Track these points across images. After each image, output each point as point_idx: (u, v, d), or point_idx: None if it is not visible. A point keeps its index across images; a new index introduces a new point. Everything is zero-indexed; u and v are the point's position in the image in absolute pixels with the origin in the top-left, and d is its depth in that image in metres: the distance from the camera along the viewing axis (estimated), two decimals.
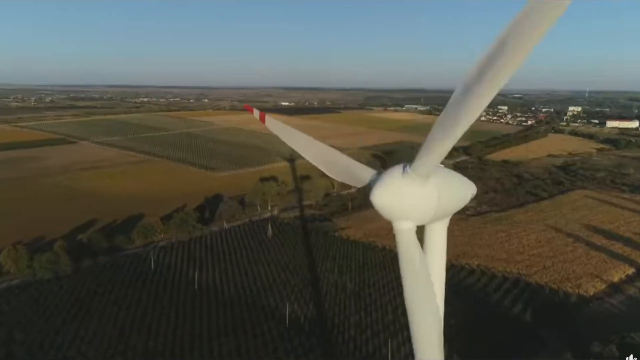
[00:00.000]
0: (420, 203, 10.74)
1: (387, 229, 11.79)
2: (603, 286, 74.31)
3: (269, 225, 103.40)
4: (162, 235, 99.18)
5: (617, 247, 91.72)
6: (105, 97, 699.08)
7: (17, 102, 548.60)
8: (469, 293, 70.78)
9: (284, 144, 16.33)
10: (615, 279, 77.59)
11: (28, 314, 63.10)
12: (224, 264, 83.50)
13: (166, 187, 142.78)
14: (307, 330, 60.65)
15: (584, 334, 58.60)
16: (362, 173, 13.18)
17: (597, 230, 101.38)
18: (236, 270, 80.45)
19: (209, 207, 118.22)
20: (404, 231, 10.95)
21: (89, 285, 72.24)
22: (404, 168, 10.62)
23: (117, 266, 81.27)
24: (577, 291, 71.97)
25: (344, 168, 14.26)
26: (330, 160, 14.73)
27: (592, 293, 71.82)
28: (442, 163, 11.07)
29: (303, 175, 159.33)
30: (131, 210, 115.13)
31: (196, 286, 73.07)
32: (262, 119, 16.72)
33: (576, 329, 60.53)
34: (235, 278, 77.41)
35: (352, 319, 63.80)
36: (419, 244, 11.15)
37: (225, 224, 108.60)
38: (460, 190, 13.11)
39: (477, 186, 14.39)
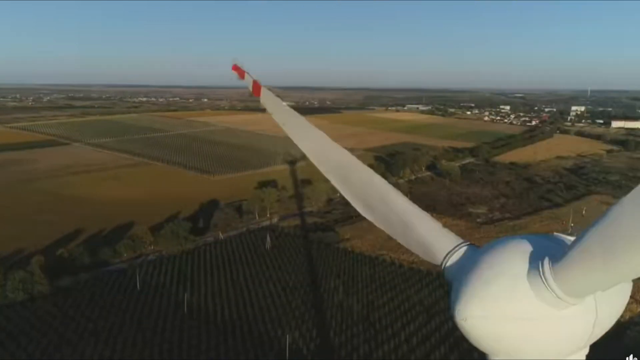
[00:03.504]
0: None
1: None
2: (639, 309, 66.80)
3: (268, 236, 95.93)
4: (152, 247, 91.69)
5: None
6: (104, 96, 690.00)
7: (15, 101, 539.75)
8: None
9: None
10: None
11: None
12: (217, 282, 75.90)
13: (160, 191, 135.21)
14: None
15: None
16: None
17: None
18: (230, 289, 72.87)
19: (203, 215, 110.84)
20: None
21: (66, 309, 64.62)
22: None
23: (100, 285, 73.63)
24: None
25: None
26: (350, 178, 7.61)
27: (628, 317, 64.21)
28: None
29: (304, 179, 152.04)
30: (121, 217, 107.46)
31: (185, 309, 65.54)
32: (256, 91, 9.67)
33: None
34: (229, 299, 69.79)
35: (361, 350, 56.36)
36: None
37: (220, 234, 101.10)
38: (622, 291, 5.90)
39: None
